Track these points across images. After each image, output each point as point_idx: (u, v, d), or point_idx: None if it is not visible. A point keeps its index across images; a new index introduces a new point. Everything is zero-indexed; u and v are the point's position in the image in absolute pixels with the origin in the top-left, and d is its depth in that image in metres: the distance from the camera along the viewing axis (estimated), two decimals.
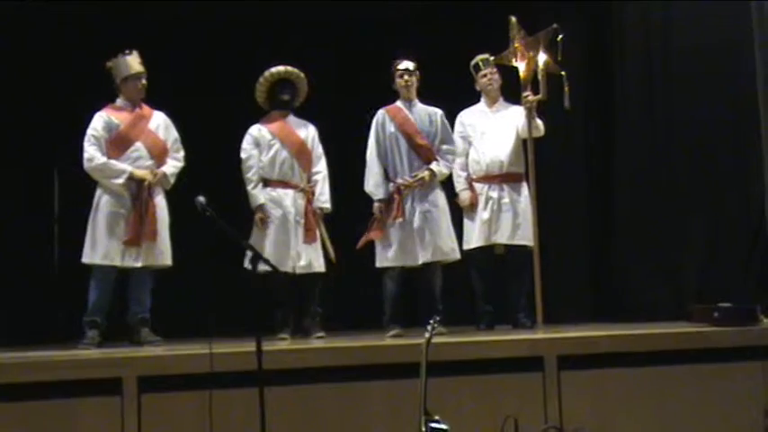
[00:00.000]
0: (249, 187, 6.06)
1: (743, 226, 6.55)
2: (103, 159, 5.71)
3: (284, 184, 6.07)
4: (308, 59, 6.38)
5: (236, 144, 6.15)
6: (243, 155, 6.12)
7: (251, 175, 6.07)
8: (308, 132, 6.22)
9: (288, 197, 6.04)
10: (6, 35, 6.80)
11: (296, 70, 6.17)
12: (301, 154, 6.14)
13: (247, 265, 4.25)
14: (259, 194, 6.03)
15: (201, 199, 4.02)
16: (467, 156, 6.39)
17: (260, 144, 6.11)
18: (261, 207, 6.01)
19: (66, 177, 6.12)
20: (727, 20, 6.57)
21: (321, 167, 6.21)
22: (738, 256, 6.54)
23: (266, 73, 6.14)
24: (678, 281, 6.86)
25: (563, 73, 6.15)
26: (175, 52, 7.11)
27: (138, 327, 5.79)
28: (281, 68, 6.15)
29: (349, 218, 6.28)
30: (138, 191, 5.72)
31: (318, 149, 6.24)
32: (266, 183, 6.09)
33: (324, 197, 6.15)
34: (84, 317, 5.66)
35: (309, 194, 6.10)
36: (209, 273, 6.76)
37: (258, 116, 6.24)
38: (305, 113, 6.31)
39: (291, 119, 6.24)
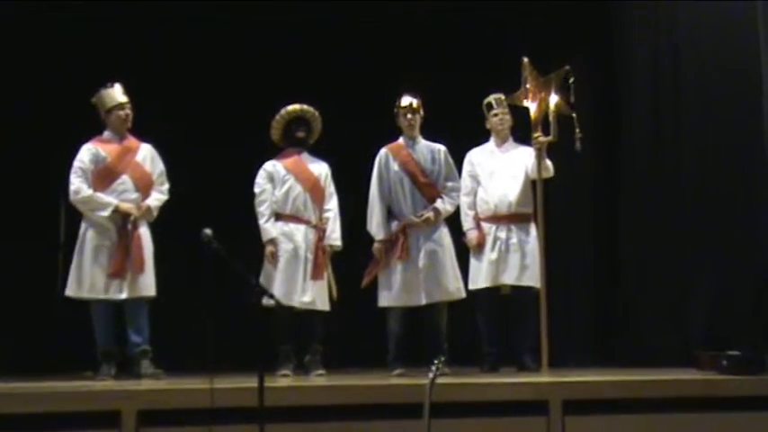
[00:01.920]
0: (261, 221, 6.06)
1: (750, 272, 6.50)
2: (89, 192, 5.75)
3: (296, 219, 6.07)
4: (319, 96, 6.39)
5: (248, 179, 6.18)
6: (256, 189, 6.13)
7: (263, 210, 6.07)
8: (322, 170, 6.25)
9: (299, 232, 6.03)
10: (17, 65, 6.83)
11: (311, 108, 6.21)
12: (314, 190, 6.15)
13: (252, 298, 4.22)
14: (271, 228, 6.03)
15: (208, 231, 4.00)
16: (475, 195, 6.37)
17: (274, 179, 6.13)
18: (272, 241, 6.00)
19: (72, 207, 6.11)
20: (738, 63, 6.56)
21: (332, 205, 6.21)
22: (746, 302, 6.48)
23: (282, 111, 6.18)
24: (685, 326, 6.80)
25: (574, 115, 6.14)
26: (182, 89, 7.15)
27: (139, 359, 5.78)
28: (296, 107, 6.19)
29: (356, 255, 6.23)
30: (123, 224, 5.75)
31: (331, 187, 6.25)
32: (278, 217, 6.08)
33: (335, 235, 6.14)
34: (98, 349, 5.71)
35: (320, 231, 6.10)
36: (211, 306, 6.75)
37: (271, 154, 6.26)
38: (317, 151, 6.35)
39: (306, 156, 6.27)
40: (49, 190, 7.00)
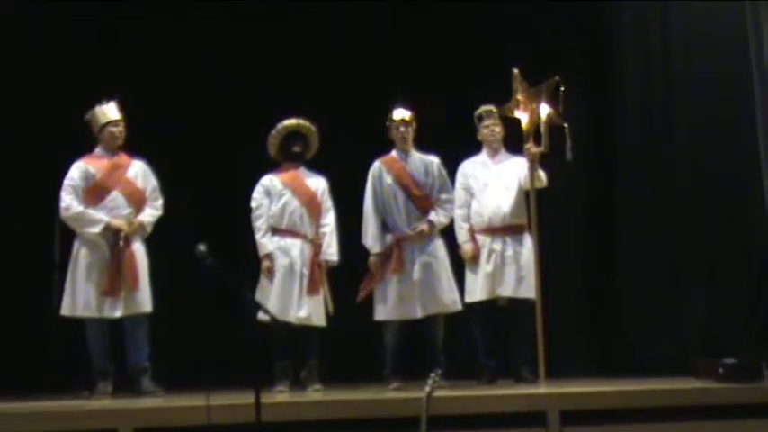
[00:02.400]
0: (258, 236, 6.05)
1: (746, 281, 6.51)
2: (80, 209, 5.76)
3: (293, 233, 6.06)
4: (316, 111, 6.41)
5: (245, 194, 6.19)
6: (253, 204, 6.13)
7: (260, 224, 6.07)
8: (319, 185, 6.24)
9: (296, 247, 6.02)
10: (10, 83, 6.84)
11: (307, 123, 6.21)
12: (311, 205, 6.14)
13: (247, 314, 4.21)
14: (268, 243, 6.02)
15: (202, 247, 3.99)
16: (469, 207, 6.36)
17: (270, 193, 6.12)
18: (269, 256, 5.99)
19: (67, 225, 6.12)
20: (729, 64, 6.59)
21: (329, 220, 6.20)
22: (742, 311, 6.49)
23: (279, 126, 6.18)
24: (682, 335, 6.81)
25: (565, 125, 6.15)
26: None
27: (139, 376, 5.77)
28: (292, 121, 6.19)
29: (352, 269, 6.22)
30: (115, 240, 5.73)
31: (328, 202, 6.24)
32: (275, 231, 6.08)
33: (331, 250, 6.13)
34: (92, 369, 5.69)
35: (317, 246, 6.09)
36: (208, 322, 6.76)
37: (268, 168, 6.27)
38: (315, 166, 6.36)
39: (303, 170, 6.27)
40: (44, 207, 6.99)
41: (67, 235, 5.98)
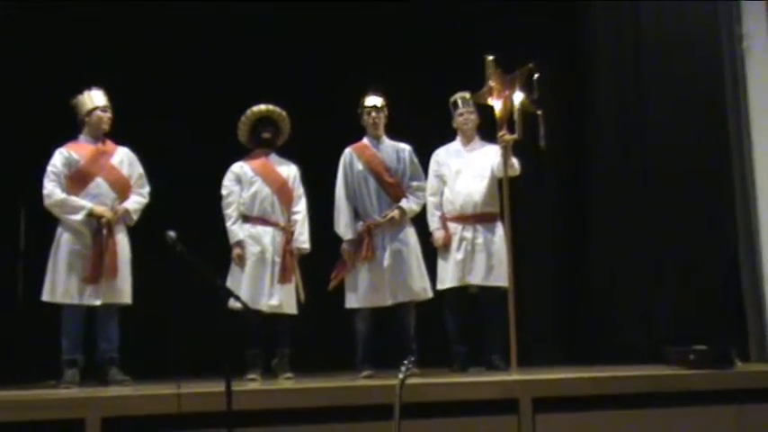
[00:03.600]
0: (228, 223, 6.01)
1: (716, 267, 6.54)
2: (62, 195, 5.68)
3: (264, 221, 6.01)
4: (290, 97, 6.36)
5: (216, 181, 6.14)
6: (223, 191, 6.08)
7: (231, 212, 6.02)
8: (290, 171, 6.19)
9: (267, 235, 5.97)
10: None
11: (278, 109, 6.15)
12: (282, 192, 6.10)
13: (218, 302, 4.17)
14: (238, 231, 5.97)
15: (172, 234, 3.94)
16: (441, 195, 6.35)
17: (241, 180, 6.07)
18: (239, 243, 5.95)
19: (33, 213, 6.04)
20: (703, 60, 6.61)
21: (301, 207, 6.16)
22: (712, 298, 6.52)
23: (248, 111, 6.13)
24: (653, 323, 6.84)
25: (539, 112, 6.13)
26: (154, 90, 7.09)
27: (107, 366, 5.70)
28: (262, 107, 6.14)
29: (323, 257, 6.18)
30: (98, 227, 5.67)
31: (299, 189, 6.19)
32: (246, 219, 6.03)
33: (303, 237, 6.09)
34: (62, 356, 5.59)
35: (288, 234, 6.04)
36: (178, 310, 6.71)
37: (239, 155, 6.21)
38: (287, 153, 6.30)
39: (274, 157, 6.22)
40: (10, 197, 6.90)
41: (35, 224, 5.89)
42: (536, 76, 6.03)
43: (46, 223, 5.78)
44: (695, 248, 6.69)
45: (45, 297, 5.64)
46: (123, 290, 5.75)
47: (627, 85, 7.30)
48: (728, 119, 5.95)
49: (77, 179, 5.76)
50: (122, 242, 5.80)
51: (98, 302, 5.63)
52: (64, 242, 5.67)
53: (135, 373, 5.73)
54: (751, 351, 5.66)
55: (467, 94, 6.33)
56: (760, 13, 5.62)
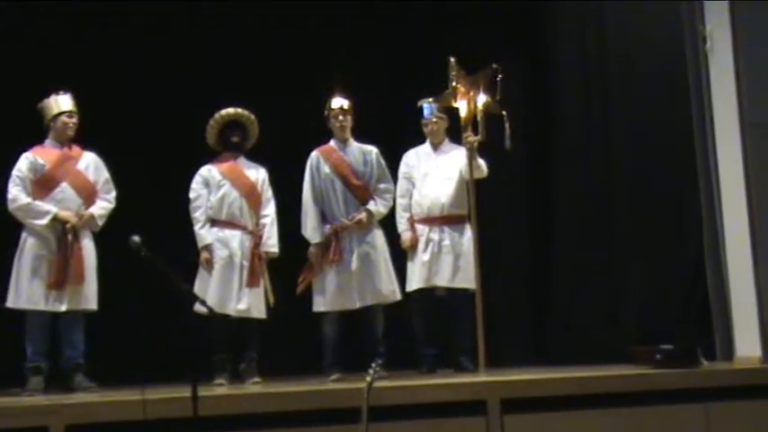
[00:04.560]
0: (197, 227, 5.98)
1: (681, 268, 6.59)
2: (27, 200, 5.63)
3: (232, 224, 5.99)
4: (259, 100, 6.34)
5: (184, 184, 6.10)
6: (191, 194, 6.05)
7: (199, 215, 5.99)
8: (259, 175, 6.17)
9: (235, 238, 5.95)
10: None
11: (246, 112, 6.13)
12: (251, 196, 6.07)
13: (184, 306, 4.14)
14: (206, 235, 5.94)
15: (136, 238, 3.90)
16: (410, 197, 6.35)
17: (209, 184, 6.04)
18: (207, 247, 5.92)
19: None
20: (669, 62, 6.66)
21: (270, 211, 6.13)
22: (678, 297, 6.57)
23: (216, 115, 6.10)
24: (620, 323, 6.88)
25: (503, 113, 6.15)
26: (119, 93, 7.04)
27: (73, 373, 5.65)
28: (230, 110, 6.11)
29: (292, 260, 6.15)
30: (63, 233, 5.62)
31: (268, 193, 6.17)
32: (214, 223, 6.00)
33: (271, 241, 6.06)
34: (27, 363, 5.54)
35: (257, 237, 6.02)
36: (146, 315, 6.65)
37: (207, 158, 6.18)
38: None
39: (242, 161, 6.19)
40: None
41: (1, 228, 5.81)
42: (499, 77, 6.06)
43: (10, 228, 5.71)
44: (661, 248, 6.73)
45: (9, 303, 5.58)
46: (89, 296, 5.70)
47: (592, 80, 7.35)
48: (693, 119, 5.99)
49: (43, 184, 5.71)
50: (88, 247, 5.76)
51: (63, 308, 5.58)
52: (28, 247, 5.62)
53: (101, 380, 5.70)
54: (717, 350, 5.69)
55: (431, 100, 6.33)
56: (723, 14, 5.66)
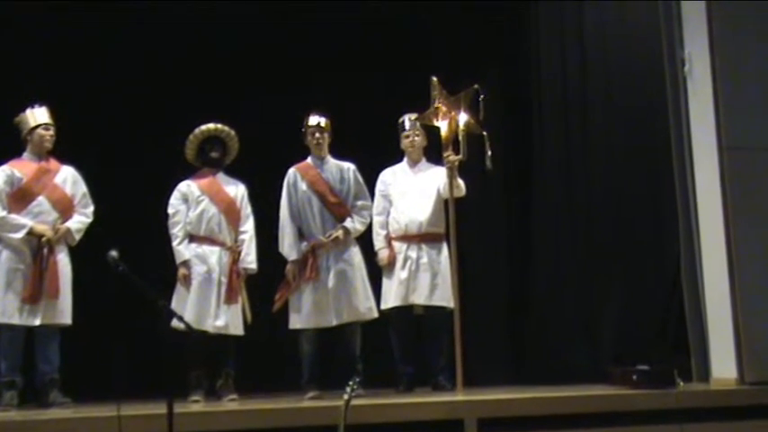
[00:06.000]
0: (174, 243, 5.94)
1: (659, 288, 6.63)
2: (2, 213, 5.62)
3: (211, 240, 5.96)
4: (237, 115, 6.33)
5: (163, 199, 6.06)
6: (170, 210, 6.01)
7: (177, 231, 5.96)
8: (238, 191, 6.15)
9: (214, 254, 5.92)
10: None
11: (226, 128, 6.11)
12: (230, 212, 6.05)
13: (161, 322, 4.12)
14: (184, 251, 5.91)
15: (114, 253, 3.88)
16: (387, 214, 6.35)
17: (188, 200, 6.01)
18: (185, 263, 5.88)
19: None
20: (645, 77, 6.72)
21: (248, 227, 6.11)
22: (654, 318, 6.60)
23: (196, 130, 6.07)
24: (596, 343, 6.90)
25: (484, 133, 6.18)
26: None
27: (48, 388, 5.61)
28: (210, 126, 6.09)
29: (270, 277, 6.13)
30: (39, 246, 5.59)
31: (247, 209, 6.15)
32: (192, 238, 5.97)
33: (250, 257, 6.04)
34: (0, 378, 5.50)
35: (235, 254, 6.00)
36: (121, 331, 6.60)
37: (186, 174, 6.16)
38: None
39: (221, 176, 6.17)
40: None
41: None
42: (481, 97, 6.09)
43: None
44: (638, 269, 6.78)
45: None
46: (63, 310, 5.67)
47: (572, 101, 7.43)
48: (671, 142, 6.03)
49: (19, 197, 5.69)
50: (63, 262, 5.72)
51: (37, 322, 5.55)
52: (3, 261, 5.60)
53: (76, 395, 5.65)
54: (693, 371, 5.72)
55: (413, 116, 6.35)
56: (702, 37, 5.71)
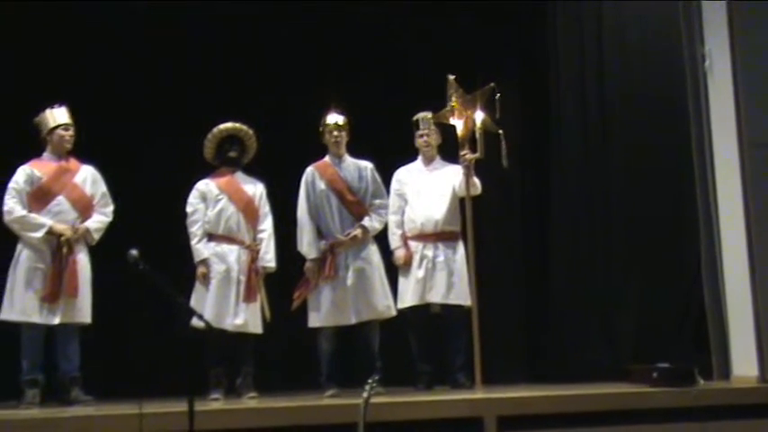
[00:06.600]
0: (193, 242, 5.96)
1: (677, 286, 6.60)
2: (23, 212, 5.65)
3: (229, 239, 5.97)
4: (256, 114, 6.34)
5: (182, 198, 6.09)
6: (188, 209, 6.03)
7: (195, 230, 5.97)
8: (257, 189, 6.16)
9: (232, 253, 5.94)
10: None
11: (244, 127, 6.13)
12: (248, 211, 6.06)
13: (181, 320, 4.14)
14: (203, 249, 5.93)
15: (134, 252, 3.90)
16: (402, 213, 6.34)
17: (207, 198, 6.03)
18: (204, 262, 5.90)
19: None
20: (664, 76, 6.69)
21: (267, 226, 6.12)
22: (674, 316, 6.58)
23: (214, 129, 6.09)
24: (616, 341, 6.88)
25: (500, 131, 6.17)
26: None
27: (69, 386, 5.64)
28: (228, 125, 6.11)
29: (289, 275, 6.15)
30: (58, 246, 5.62)
31: (265, 208, 6.16)
32: (211, 237, 5.99)
33: (269, 256, 6.05)
34: (23, 376, 5.53)
35: (254, 252, 6.01)
36: (143, 329, 6.64)
37: (205, 173, 6.17)
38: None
39: (240, 175, 6.18)
40: None
41: None
42: (498, 95, 6.08)
43: (6, 241, 5.71)
44: (658, 267, 6.75)
45: (2, 316, 5.58)
46: (83, 309, 5.69)
47: (589, 94, 7.41)
48: (692, 139, 5.99)
49: (39, 197, 5.73)
50: (82, 261, 5.75)
51: (56, 321, 5.58)
52: (23, 260, 5.63)
53: (97, 393, 5.68)
54: (713, 369, 5.69)
55: (428, 114, 6.33)
56: (722, 33, 5.68)
